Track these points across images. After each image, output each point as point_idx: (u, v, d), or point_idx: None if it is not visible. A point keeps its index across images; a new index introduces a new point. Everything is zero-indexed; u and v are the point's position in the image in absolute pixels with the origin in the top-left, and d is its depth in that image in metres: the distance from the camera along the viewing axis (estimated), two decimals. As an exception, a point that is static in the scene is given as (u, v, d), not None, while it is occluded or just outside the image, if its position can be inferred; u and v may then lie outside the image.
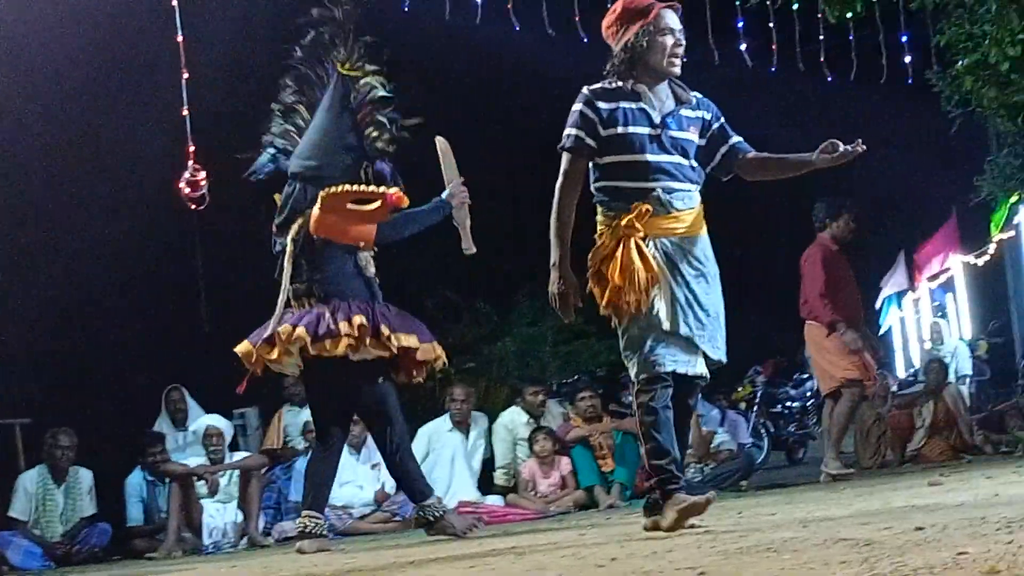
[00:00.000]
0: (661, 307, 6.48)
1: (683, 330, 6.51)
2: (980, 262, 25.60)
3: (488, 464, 13.08)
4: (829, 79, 13.93)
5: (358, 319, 8.73)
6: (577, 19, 12.62)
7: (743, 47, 13.75)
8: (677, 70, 6.73)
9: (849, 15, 13.24)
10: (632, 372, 6.61)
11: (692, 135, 6.76)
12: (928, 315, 25.08)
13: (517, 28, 12.52)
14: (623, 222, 6.48)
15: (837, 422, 12.33)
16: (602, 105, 6.61)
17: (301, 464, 12.52)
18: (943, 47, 13.71)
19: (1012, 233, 23.47)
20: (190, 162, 10.26)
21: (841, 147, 6.63)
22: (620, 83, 6.69)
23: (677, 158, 6.66)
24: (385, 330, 8.78)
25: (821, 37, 13.68)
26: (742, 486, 12.43)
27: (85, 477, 12.51)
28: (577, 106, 6.68)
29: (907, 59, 14.07)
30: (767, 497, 10.42)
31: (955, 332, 24.16)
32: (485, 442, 13.11)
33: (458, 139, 9.60)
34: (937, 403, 13.35)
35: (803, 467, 16.79)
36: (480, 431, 13.11)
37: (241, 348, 9.20)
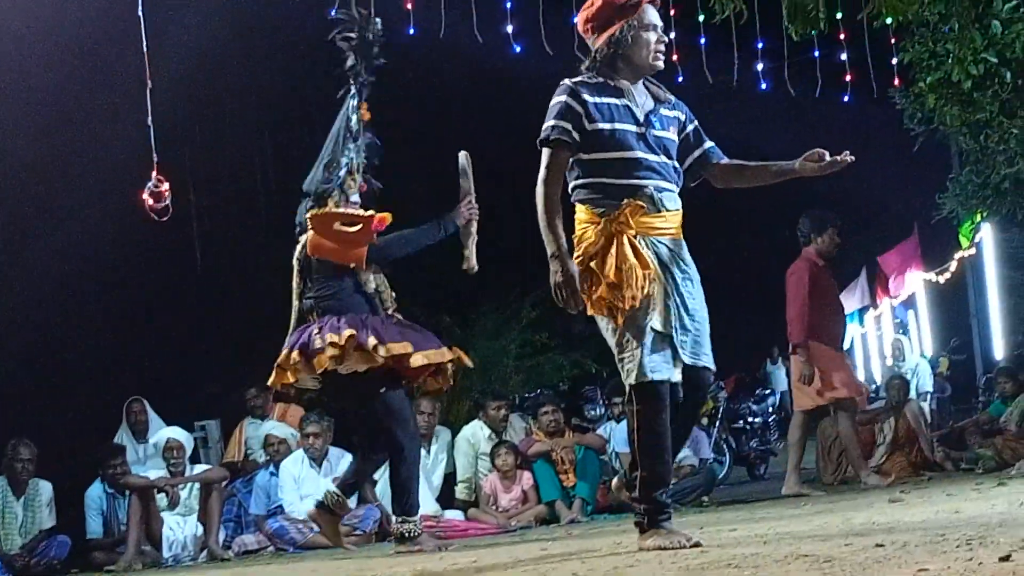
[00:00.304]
0: (657, 306, 6.28)
1: (671, 334, 6.29)
2: (941, 279, 25.75)
3: (450, 478, 13.06)
4: (793, 94, 13.95)
5: (347, 332, 8.87)
6: (543, 35, 12.62)
7: (704, 63, 13.76)
8: (661, 65, 6.59)
9: (813, 32, 13.29)
10: (629, 378, 6.28)
11: (672, 135, 6.62)
12: (889, 332, 25.21)
13: (480, 41, 12.50)
14: (617, 218, 6.28)
15: (849, 441, 12.39)
16: (587, 98, 6.42)
17: (261, 477, 12.51)
18: (906, 65, 13.78)
19: (973, 251, 23.61)
20: (153, 173, 10.23)
21: (828, 157, 6.57)
22: (601, 79, 6.52)
23: (662, 157, 6.51)
24: (372, 341, 8.87)
25: (786, 53, 13.71)
26: (704, 501, 12.44)
27: (45, 489, 12.44)
28: (560, 98, 6.46)
29: (870, 77, 14.11)
30: (729, 512, 10.43)
31: (916, 349, 24.28)
32: (447, 456, 13.09)
33: (427, 151, 9.64)
34: (898, 420, 13.38)
35: (765, 483, 16.81)
36: (441, 445, 13.09)
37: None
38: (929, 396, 20.17)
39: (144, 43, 10.36)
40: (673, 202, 6.50)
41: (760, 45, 13.60)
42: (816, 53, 13.67)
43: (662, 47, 6.58)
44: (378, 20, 9.57)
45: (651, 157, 6.45)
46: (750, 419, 19.04)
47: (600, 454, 13.02)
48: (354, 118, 9.41)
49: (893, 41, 13.79)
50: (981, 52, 12.78)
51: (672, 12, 12.14)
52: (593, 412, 17.15)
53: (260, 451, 13.26)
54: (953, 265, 25.59)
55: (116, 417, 13.64)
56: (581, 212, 6.47)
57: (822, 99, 14.21)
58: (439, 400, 13.28)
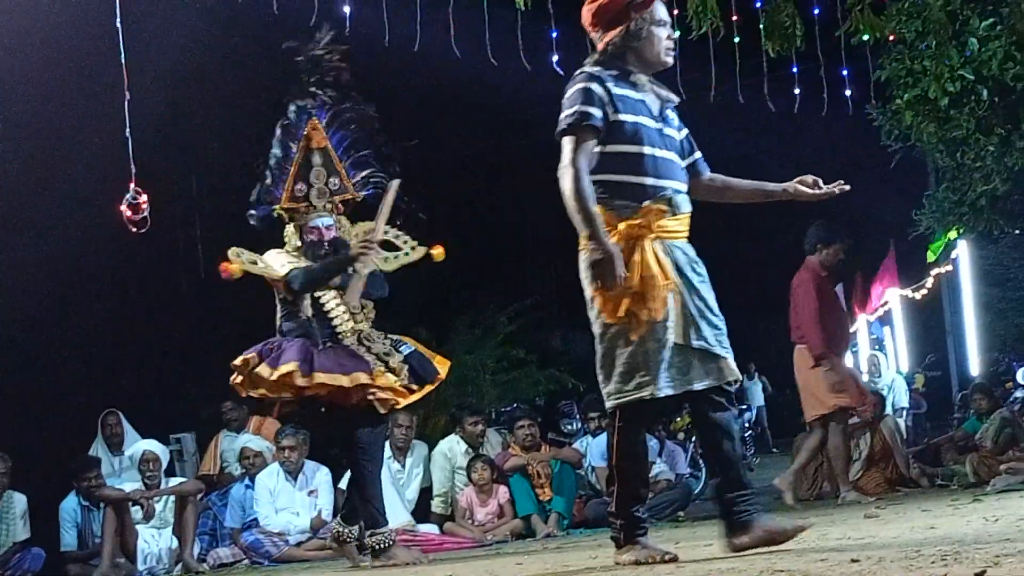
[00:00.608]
0: (676, 319, 6.06)
1: (696, 343, 6.09)
2: (918, 296, 25.80)
3: (426, 492, 13.04)
4: (773, 110, 13.96)
5: (247, 356, 9.13)
6: (521, 49, 12.62)
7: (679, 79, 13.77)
8: (671, 60, 6.41)
9: (791, 48, 13.33)
10: (642, 391, 6.06)
11: (677, 136, 6.44)
12: (866, 348, 25.26)
13: (459, 55, 12.50)
14: (638, 222, 6.06)
15: (837, 454, 12.35)
16: (611, 86, 6.17)
17: (237, 490, 12.48)
18: (883, 82, 13.81)
19: (949, 267, 23.68)
20: (131, 185, 10.21)
21: (822, 184, 6.49)
22: (617, 71, 6.28)
23: (675, 156, 6.33)
24: (263, 366, 9.05)
25: (766, 69, 13.74)
26: (679, 516, 12.43)
27: (19, 501, 12.40)
28: (583, 84, 6.17)
29: (847, 93, 14.15)
30: (704, 528, 10.41)
31: (892, 365, 24.32)
32: (423, 470, 13.07)
33: (400, 164, 9.67)
34: (874, 435, 13.38)
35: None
36: (417, 459, 13.07)
37: None
38: (905, 412, 20.21)
39: (122, 54, 10.34)
40: (687, 205, 6.31)
41: (738, 61, 13.61)
42: (794, 69, 13.69)
43: (671, 43, 6.43)
44: (326, 44, 9.70)
45: (667, 155, 6.28)
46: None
47: (576, 468, 13.02)
48: (276, 144, 9.61)
49: (870, 59, 13.83)
50: (958, 69, 12.82)
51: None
52: (569, 426, 17.14)
53: (235, 464, 13.24)
54: (929, 282, 25.68)
55: (91, 429, 13.60)
56: None
57: (800, 115, 14.23)
58: (416, 414, 13.28)
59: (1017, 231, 15.99)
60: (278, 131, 9.61)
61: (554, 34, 12.48)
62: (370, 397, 9.15)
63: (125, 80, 10.36)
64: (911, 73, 13.34)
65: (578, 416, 16.90)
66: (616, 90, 6.19)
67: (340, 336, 9.30)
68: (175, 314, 19.48)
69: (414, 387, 9.36)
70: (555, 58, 12.35)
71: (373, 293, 9.47)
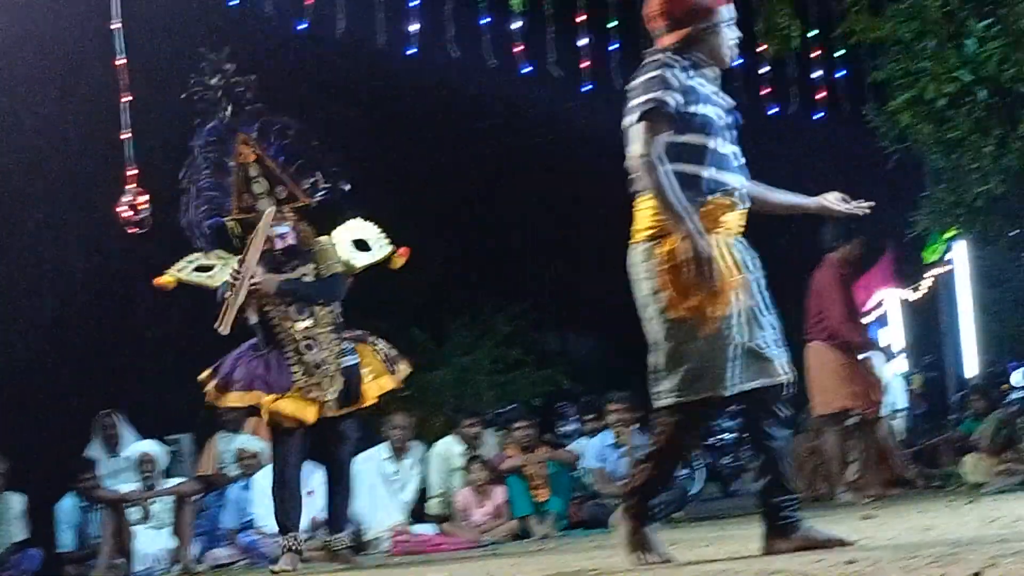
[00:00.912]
0: (744, 316, 5.90)
1: (749, 343, 5.92)
2: (915, 297, 25.78)
3: (423, 493, 13.05)
4: (775, 110, 13.98)
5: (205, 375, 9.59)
6: (519, 49, 12.64)
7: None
8: (733, 62, 6.27)
9: (788, 49, 13.34)
10: (717, 388, 5.91)
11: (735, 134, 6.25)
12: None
13: (456, 55, 12.53)
14: (706, 215, 5.87)
15: (831, 454, 12.36)
16: (690, 75, 5.95)
17: (234, 491, 12.48)
18: (880, 83, 13.82)
19: (947, 267, 23.65)
20: (131, 186, 10.23)
21: (850, 200, 6.49)
22: (690, 61, 6.03)
23: (737, 152, 6.16)
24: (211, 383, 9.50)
25: (763, 71, 13.76)
26: (676, 517, 12.43)
27: (17, 502, 12.41)
28: (660, 71, 5.88)
29: (844, 94, 14.16)
30: (701, 529, 10.44)
31: (890, 366, 24.26)
32: (419, 471, 13.08)
33: (398, 166, 9.70)
34: (871, 437, 13.39)
35: (737, 499, 16.81)
36: (414, 460, 13.07)
37: None
38: (902, 413, 20.19)
39: (121, 54, 10.36)
40: (747, 201, 6.15)
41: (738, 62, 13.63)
42: (790, 71, 13.70)
43: (736, 42, 6.26)
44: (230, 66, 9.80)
45: (731, 150, 6.13)
46: (723, 435, 19.05)
47: (572, 470, 13.03)
48: (200, 165, 9.71)
49: (867, 60, 13.84)
50: (955, 71, 12.82)
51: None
52: (566, 428, 17.15)
53: (233, 465, 13.23)
54: (927, 283, 25.65)
55: (89, 430, 13.60)
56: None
57: (796, 116, 14.24)
58: (413, 415, 13.30)
59: (1015, 232, 16.00)
60: (197, 154, 9.69)
61: (551, 36, 12.51)
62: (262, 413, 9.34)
63: (124, 81, 10.38)
64: (908, 74, 13.34)
65: (575, 417, 16.90)
66: (694, 81, 6.00)
67: (281, 341, 9.38)
68: (173, 315, 19.46)
69: (332, 405, 9.41)
70: (552, 59, 12.39)
71: (321, 299, 9.52)
